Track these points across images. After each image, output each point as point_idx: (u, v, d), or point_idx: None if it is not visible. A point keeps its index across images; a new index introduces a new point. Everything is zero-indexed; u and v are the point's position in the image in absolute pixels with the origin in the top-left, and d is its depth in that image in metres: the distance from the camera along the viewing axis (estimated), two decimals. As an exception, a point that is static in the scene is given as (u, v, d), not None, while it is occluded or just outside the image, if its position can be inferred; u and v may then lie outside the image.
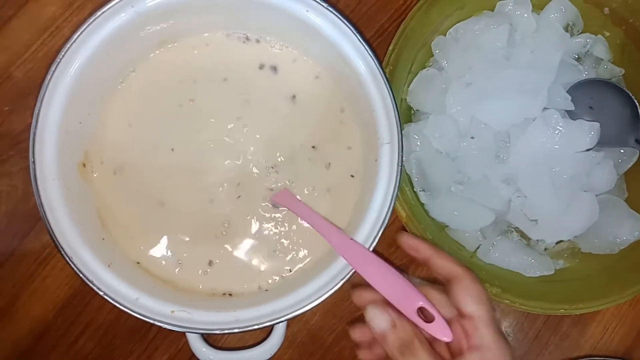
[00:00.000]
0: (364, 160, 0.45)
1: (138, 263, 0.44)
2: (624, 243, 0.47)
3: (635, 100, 0.47)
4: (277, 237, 0.45)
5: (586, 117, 0.47)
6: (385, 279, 0.37)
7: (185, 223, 0.45)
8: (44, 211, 0.39)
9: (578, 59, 0.50)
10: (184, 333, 0.40)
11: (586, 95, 0.48)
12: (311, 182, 0.46)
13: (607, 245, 0.47)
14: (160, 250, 0.45)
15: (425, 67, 0.49)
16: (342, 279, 0.40)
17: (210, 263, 0.45)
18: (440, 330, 0.35)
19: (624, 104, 0.47)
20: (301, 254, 0.45)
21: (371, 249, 0.40)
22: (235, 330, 0.39)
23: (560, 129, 0.45)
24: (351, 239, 0.40)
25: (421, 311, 0.35)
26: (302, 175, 0.46)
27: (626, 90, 0.48)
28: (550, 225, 0.46)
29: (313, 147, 0.46)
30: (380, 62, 0.42)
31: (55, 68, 0.40)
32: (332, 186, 0.46)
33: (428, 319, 0.35)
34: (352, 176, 0.46)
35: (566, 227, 0.46)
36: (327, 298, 0.40)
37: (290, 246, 0.45)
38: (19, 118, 0.50)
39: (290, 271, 0.45)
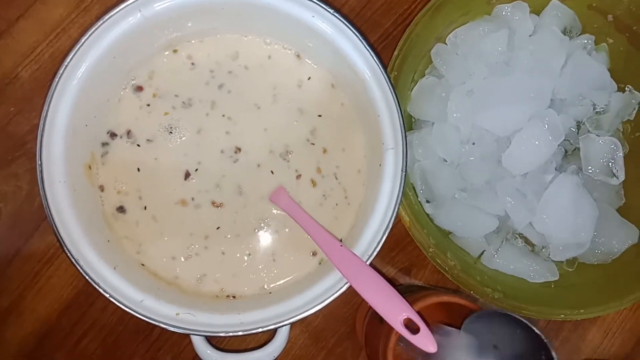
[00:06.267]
0: (369, 164, 0.46)
1: (143, 265, 0.44)
2: (615, 254, 0.46)
3: (547, 341, 0.38)
4: (281, 239, 0.46)
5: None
6: (374, 290, 0.37)
7: (191, 225, 0.45)
8: (50, 213, 0.39)
9: None
10: (187, 334, 0.40)
11: (486, 330, 0.40)
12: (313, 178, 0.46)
13: (599, 256, 0.47)
14: (165, 252, 0.45)
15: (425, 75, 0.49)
16: (347, 282, 0.40)
17: (215, 265, 0.45)
18: (424, 341, 0.35)
19: (533, 347, 0.38)
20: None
21: (376, 252, 0.41)
22: (240, 333, 0.40)
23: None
24: (342, 245, 0.40)
25: (408, 322, 0.36)
26: (305, 173, 0.46)
27: (536, 330, 0.38)
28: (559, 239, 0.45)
29: (314, 144, 0.46)
30: (385, 68, 0.42)
31: (63, 71, 0.40)
32: (334, 187, 0.46)
33: (414, 330, 0.36)
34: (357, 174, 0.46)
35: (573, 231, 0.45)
36: (332, 301, 0.40)
37: (294, 248, 0.46)
38: (25, 118, 0.50)
39: (294, 273, 0.45)
